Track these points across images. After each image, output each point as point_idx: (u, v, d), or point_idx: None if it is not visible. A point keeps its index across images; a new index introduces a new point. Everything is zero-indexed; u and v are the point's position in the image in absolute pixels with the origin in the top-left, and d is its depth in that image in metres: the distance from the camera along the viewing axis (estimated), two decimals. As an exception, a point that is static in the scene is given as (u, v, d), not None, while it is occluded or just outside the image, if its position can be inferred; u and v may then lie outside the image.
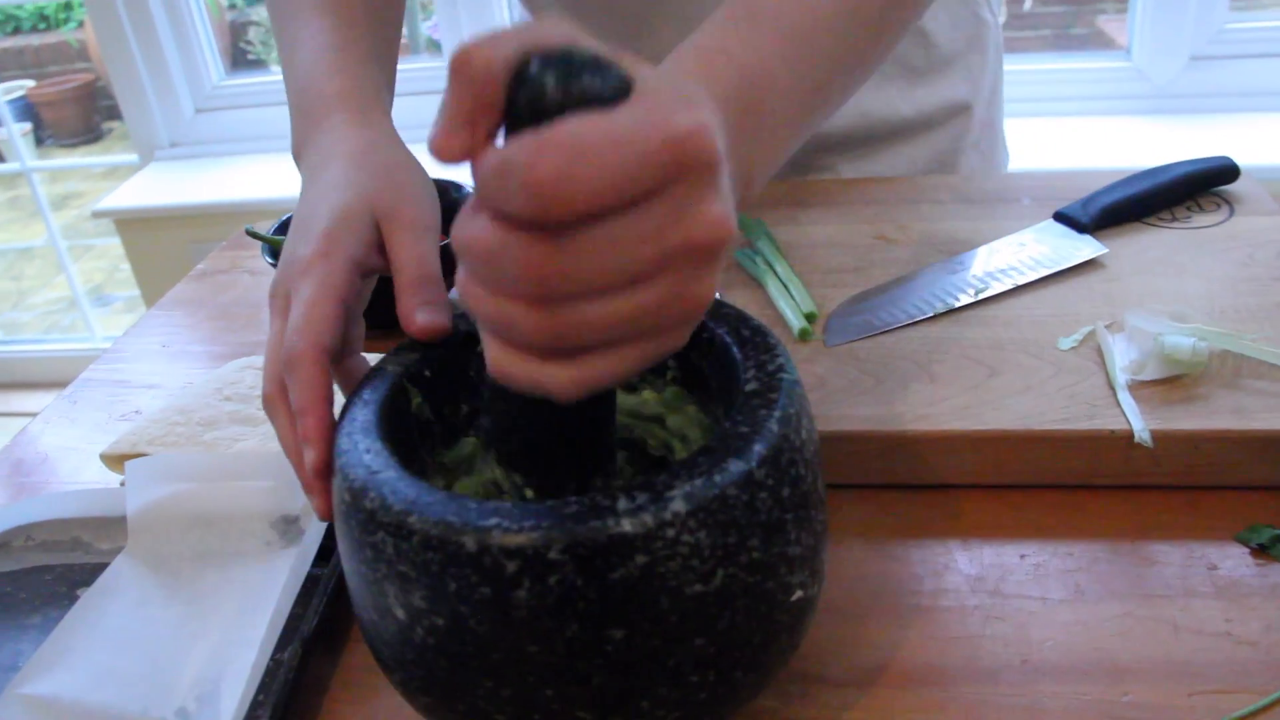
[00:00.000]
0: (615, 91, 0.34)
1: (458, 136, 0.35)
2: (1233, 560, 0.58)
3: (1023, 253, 0.80)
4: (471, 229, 0.35)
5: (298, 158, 0.64)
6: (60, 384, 0.89)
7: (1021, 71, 2.22)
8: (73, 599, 0.62)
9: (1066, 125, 2.14)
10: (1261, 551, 0.59)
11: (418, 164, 0.61)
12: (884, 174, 1.02)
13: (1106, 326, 0.71)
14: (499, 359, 0.37)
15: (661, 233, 0.34)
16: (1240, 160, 0.89)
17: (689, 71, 0.50)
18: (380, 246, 0.55)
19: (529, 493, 0.47)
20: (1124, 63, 2.18)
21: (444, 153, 0.35)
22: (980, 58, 1.02)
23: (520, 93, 0.34)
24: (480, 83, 0.34)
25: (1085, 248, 0.80)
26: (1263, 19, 2.10)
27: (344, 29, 0.69)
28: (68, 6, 5.08)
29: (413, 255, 0.53)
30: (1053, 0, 2.97)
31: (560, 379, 0.36)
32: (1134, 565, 0.59)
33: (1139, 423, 0.62)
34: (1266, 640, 0.53)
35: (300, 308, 0.50)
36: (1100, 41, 2.70)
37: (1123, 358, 0.67)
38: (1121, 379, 0.66)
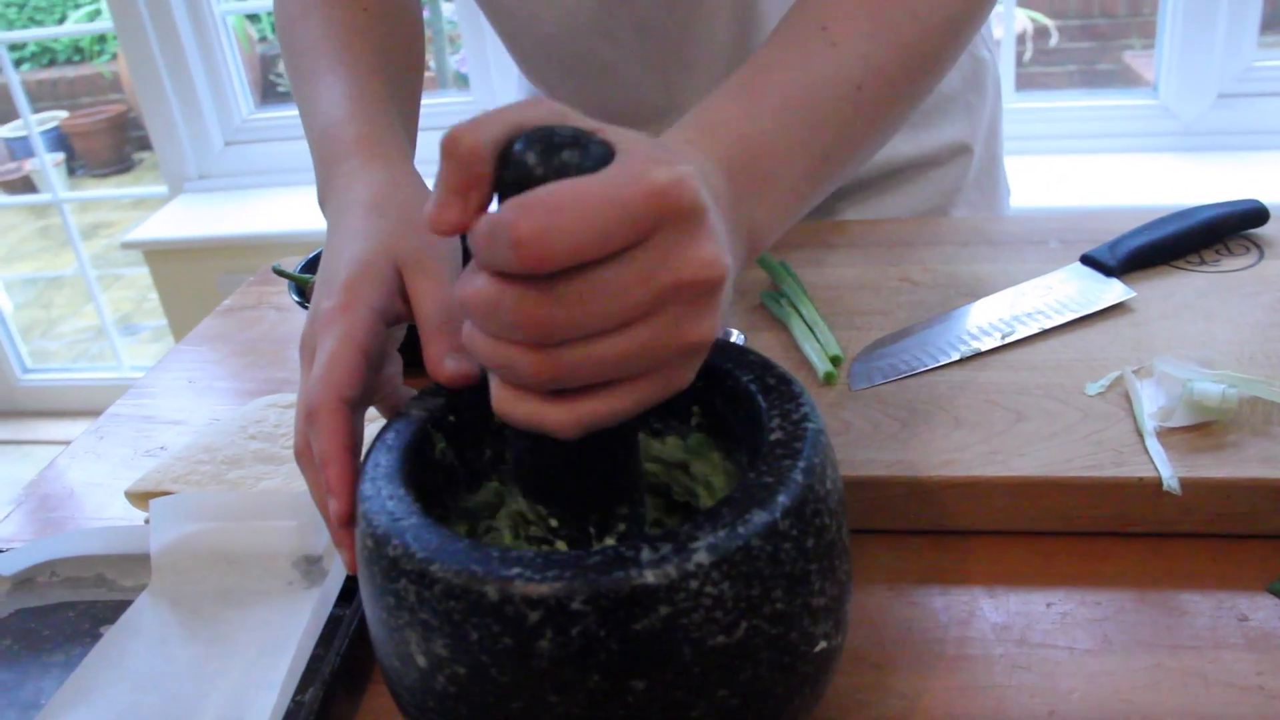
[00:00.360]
0: (596, 161, 0.38)
1: (450, 209, 0.39)
2: (1264, 611, 0.58)
3: (1049, 296, 0.80)
4: (472, 286, 0.38)
5: (322, 205, 0.65)
6: (87, 413, 0.90)
7: (1048, 109, 2.22)
8: (96, 636, 0.62)
9: (1093, 162, 2.14)
10: (1293, 603, 0.58)
11: None
12: (885, 216, 1.02)
13: (1134, 372, 0.70)
14: (501, 400, 0.40)
15: (650, 276, 0.37)
16: (1269, 199, 0.89)
17: (689, 140, 0.52)
18: (403, 294, 0.55)
19: (554, 523, 0.47)
20: (1151, 100, 2.17)
21: (437, 225, 0.39)
22: (979, 97, 1.02)
23: (506, 170, 0.38)
24: (468, 162, 0.38)
25: (1112, 291, 0.80)
26: (1291, 57, 2.10)
27: (360, 78, 0.70)
28: (102, 39, 5.16)
29: (435, 302, 0.54)
30: (1079, 36, 2.97)
31: (560, 418, 0.39)
32: (1163, 615, 0.58)
33: (1167, 470, 0.62)
34: (1299, 695, 0.52)
35: (321, 359, 0.51)
36: (1127, 78, 2.70)
37: (1151, 404, 0.67)
38: (1149, 425, 0.65)
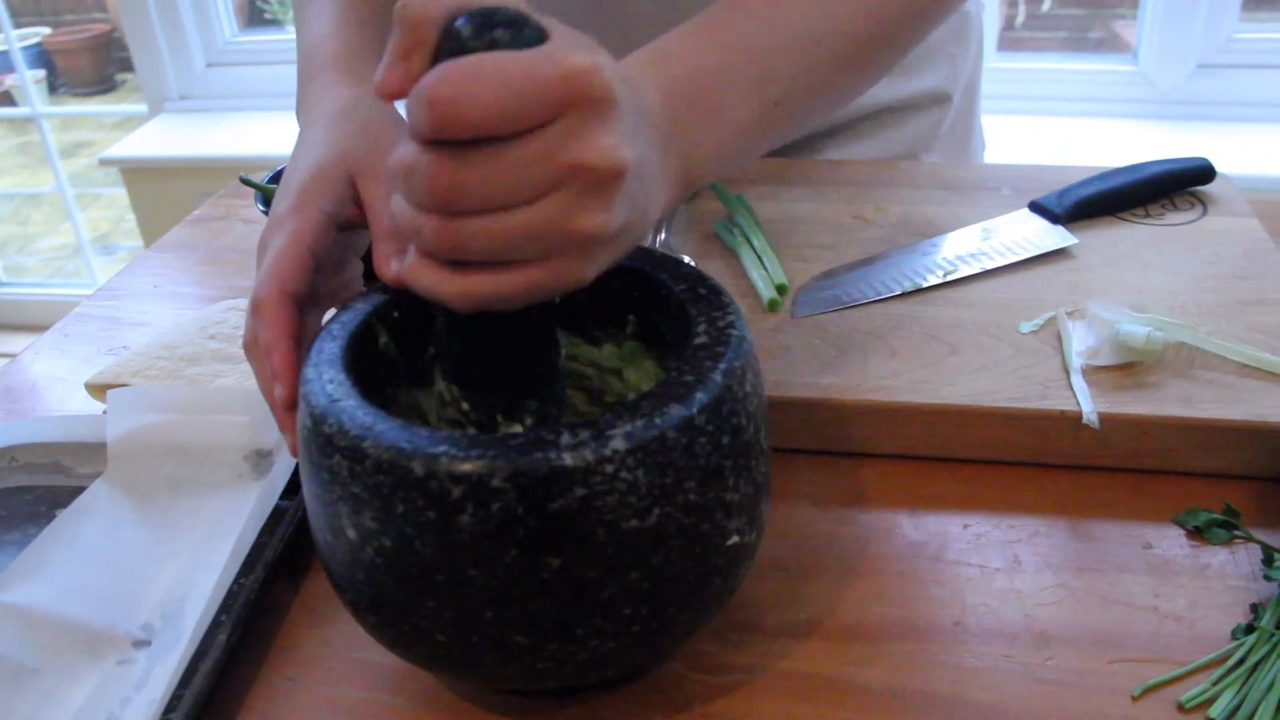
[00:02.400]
0: (528, 43, 0.40)
1: (395, 71, 0.41)
2: (1168, 541, 0.60)
3: (994, 239, 0.82)
4: (398, 151, 0.41)
5: (298, 117, 0.67)
6: (61, 329, 0.91)
7: (1027, 70, 2.23)
8: (51, 519, 0.64)
9: (1067, 125, 2.15)
10: (1197, 534, 0.61)
11: (402, 121, 0.63)
12: (860, 157, 1.03)
13: (1068, 313, 0.73)
14: (412, 267, 0.43)
15: (550, 154, 0.39)
16: (1236, 170, 0.90)
17: (639, 65, 0.53)
18: (357, 200, 0.57)
19: (465, 406, 0.50)
20: (1130, 67, 2.18)
21: (383, 87, 0.41)
22: (961, 48, 1.03)
23: (445, 42, 0.40)
24: (415, 26, 0.40)
25: (1056, 237, 0.82)
26: (1273, 30, 2.10)
27: (352, 2, 0.72)
28: (87, -45, 5.08)
29: (386, 207, 0.56)
30: (1071, 2, 2.97)
31: (453, 289, 0.42)
32: (1072, 540, 0.61)
33: (1088, 405, 0.64)
34: (1191, 615, 0.55)
35: (270, 256, 0.53)
36: (1116, 45, 2.70)
37: (1080, 343, 0.69)
38: (1076, 363, 0.68)
